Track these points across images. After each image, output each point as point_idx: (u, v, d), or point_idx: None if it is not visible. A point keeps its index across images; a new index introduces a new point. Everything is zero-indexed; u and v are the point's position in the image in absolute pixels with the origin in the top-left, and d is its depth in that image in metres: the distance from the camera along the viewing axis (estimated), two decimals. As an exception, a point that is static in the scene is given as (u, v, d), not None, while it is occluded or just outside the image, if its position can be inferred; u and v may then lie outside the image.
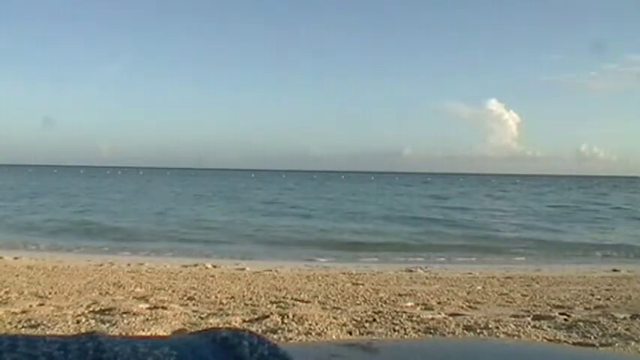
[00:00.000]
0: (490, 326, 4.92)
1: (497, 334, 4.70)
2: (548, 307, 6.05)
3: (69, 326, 4.64)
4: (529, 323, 5.11)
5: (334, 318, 5.14)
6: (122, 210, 25.62)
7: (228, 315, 5.32)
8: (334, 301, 6.23)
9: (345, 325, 4.90)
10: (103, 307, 5.44)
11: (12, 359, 0.34)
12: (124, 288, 6.86)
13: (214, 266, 9.86)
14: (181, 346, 0.40)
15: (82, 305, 5.57)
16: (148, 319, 4.91)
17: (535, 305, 6.22)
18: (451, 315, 5.45)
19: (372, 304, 6.11)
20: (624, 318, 5.27)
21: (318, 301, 6.17)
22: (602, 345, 4.37)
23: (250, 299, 6.24)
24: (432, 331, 4.77)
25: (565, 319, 5.27)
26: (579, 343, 4.36)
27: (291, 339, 4.37)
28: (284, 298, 6.35)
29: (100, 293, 6.43)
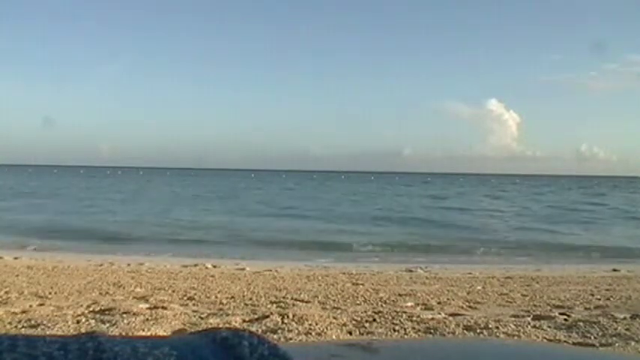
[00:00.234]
0: (490, 326, 4.92)
1: (497, 334, 4.70)
2: (548, 307, 6.05)
3: (69, 326, 4.64)
4: (529, 323, 5.11)
5: (334, 318, 5.14)
6: (122, 210, 25.63)
7: (228, 315, 5.32)
8: (334, 301, 6.23)
9: (345, 325, 4.90)
10: (103, 307, 5.44)
11: (12, 359, 0.34)
12: (124, 288, 6.86)
13: (214, 266, 9.86)
14: (181, 346, 0.40)
15: (82, 305, 5.57)
16: (148, 319, 4.91)
17: (535, 305, 6.22)
18: (451, 315, 5.45)
19: (372, 304, 6.11)
20: (624, 318, 5.27)
21: (318, 301, 6.17)
22: (602, 345, 4.37)
23: (250, 299, 6.24)
24: (432, 331, 4.77)
25: (565, 319, 5.27)
26: (579, 343, 4.36)
27: (291, 339, 4.37)
28: (284, 298, 6.35)
29: (100, 293, 6.43)
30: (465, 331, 4.79)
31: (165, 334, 4.15)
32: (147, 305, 5.66)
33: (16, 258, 10.34)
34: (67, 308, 5.41)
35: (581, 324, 5.00)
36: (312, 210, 27.77)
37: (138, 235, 16.49)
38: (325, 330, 4.65)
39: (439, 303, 6.23)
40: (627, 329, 4.82)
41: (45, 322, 4.71)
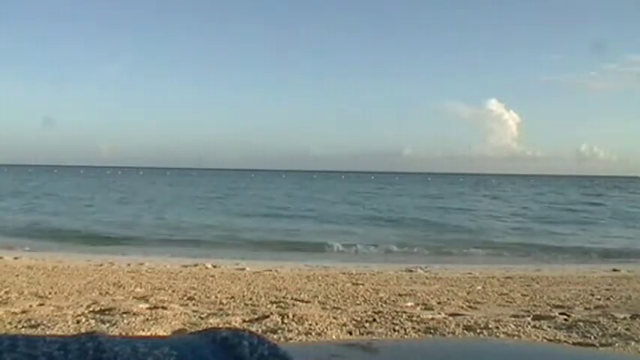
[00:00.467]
0: (490, 326, 4.92)
1: (497, 334, 4.70)
2: (548, 307, 6.05)
3: (69, 326, 4.65)
4: (529, 323, 5.11)
5: (334, 318, 5.14)
6: (121, 210, 25.64)
7: (228, 315, 5.32)
8: (334, 301, 6.24)
9: (345, 325, 4.91)
10: (103, 307, 5.45)
11: (12, 359, 0.34)
12: (124, 288, 6.86)
13: (214, 266, 9.87)
14: (181, 346, 0.40)
15: (82, 305, 5.57)
16: (148, 319, 4.91)
17: (535, 305, 6.22)
18: (451, 315, 5.45)
19: (372, 304, 6.11)
20: (624, 318, 5.27)
21: (318, 301, 6.17)
22: (602, 345, 4.37)
23: (250, 299, 6.24)
24: (432, 331, 4.77)
25: (565, 319, 5.27)
26: (579, 343, 4.36)
27: (291, 339, 4.37)
28: (284, 298, 6.35)
29: (100, 293, 6.43)
30: (465, 331, 4.79)
31: (165, 334, 4.16)
32: (147, 305, 5.66)
33: (16, 258, 10.34)
34: (67, 308, 5.41)
35: (581, 324, 5.00)
36: (310, 210, 27.81)
37: (138, 235, 16.50)
38: (325, 330, 4.65)
39: (439, 303, 6.23)
40: (627, 329, 4.82)
41: (45, 322, 4.71)
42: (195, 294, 6.50)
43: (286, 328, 4.67)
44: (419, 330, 4.78)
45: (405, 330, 4.76)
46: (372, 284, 7.69)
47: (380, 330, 4.79)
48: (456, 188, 64.31)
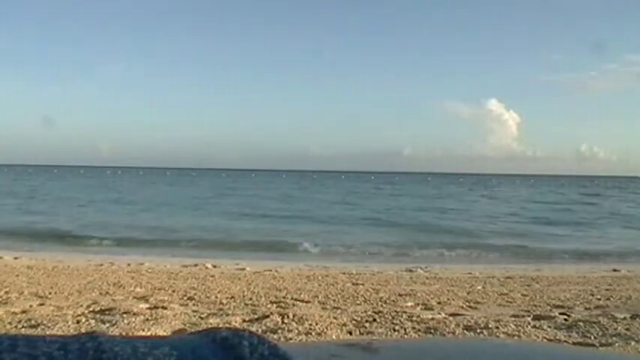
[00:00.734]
0: (490, 326, 4.92)
1: (497, 334, 4.70)
2: (548, 307, 6.05)
3: (69, 326, 4.65)
4: (529, 323, 5.11)
5: (334, 318, 5.14)
6: (121, 210, 25.63)
7: (228, 315, 5.32)
8: (334, 301, 6.23)
9: (345, 325, 4.91)
10: (103, 307, 5.45)
11: (12, 359, 0.34)
12: (124, 288, 6.86)
13: (214, 266, 9.86)
14: (181, 346, 0.40)
15: (82, 305, 5.57)
16: (148, 319, 4.91)
17: (535, 305, 6.22)
18: (451, 315, 5.45)
19: (372, 304, 6.11)
20: (624, 318, 5.27)
21: (318, 301, 6.17)
22: (602, 345, 4.37)
23: (250, 299, 6.24)
24: (432, 331, 4.77)
25: (565, 319, 5.27)
26: (579, 343, 4.36)
27: (291, 339, 4.37)
28: (284, 298, 6.35)
29: (100, 293, 6.43)
30: (465, 331, 4.79)
31: (165, 334, 4.15)
32: (147, 305, 5.66)
33: (16, 258, 10.34)
34: (67, 308, 5.41)
35: (581, 324, 5.00)
36: (309, 210, 27.81)
37: (138, 235, 16.47)
38: (325, 330, 4.65)
39: (439, 303, 6.23)
40: (627, 329, 4.82)
41: (45, 322, 4.71)
42: (195, 294, 6.50)
43: (286, 328, 4.67)
44: (419, 330, 4.78)
45: (405, 330, 4.76)
46: (372, 284, 7.69)
47: (380, 330, 4.79)
48: (456, 188, 64.31)
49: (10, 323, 4.78)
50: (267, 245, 14.87)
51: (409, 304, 6.12)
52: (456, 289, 7.35)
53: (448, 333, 4.73)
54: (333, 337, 4.47)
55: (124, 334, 4.07)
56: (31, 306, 5.53)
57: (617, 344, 4.37)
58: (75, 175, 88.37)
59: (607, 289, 7.53)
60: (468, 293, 7.05)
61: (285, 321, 4.92)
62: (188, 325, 4.83)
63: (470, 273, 9.54)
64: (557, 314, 5.53)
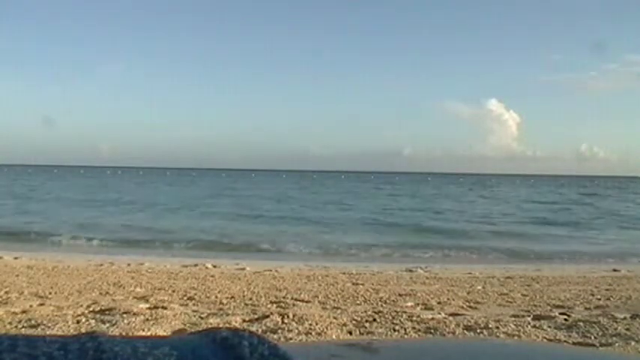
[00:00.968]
0: (490, 326, 4.92)
1: (497, 334, 4.70)
2: (548, 307, 6.05)
3: (69, 326, 4.65)
4: (529, 323, 5.11)
5: (334, 318, 5.14)
6: (121, 210, 25.64)
7: (228, 315, 5.32)
8: (334, 301, 6.23)
9: (345, 325, 4.91)
10: (103, 307, 5.45)
11: (12, 359, 0.34)
12: (124, 288, 6.86)
13: (214, 266, 9.86)
14: (181, 346, 0.40)
15: (82, 305, 5.57)
16: (148, 319, 4.91)
17: (535, 305, 6.22)
18: (451, 315, 5.45)
19: (372, 304, 6.11)
20: (624, 318, 5.27)
21: (318, 301, 6.17)
22: (602, 345, 4.37)
23: (250, 299, 6.24)
24: (432, 331, 4.77)
25: (565, 319, 5.27)
26: (579, 343, 4.36)
27: (291, 339, 4.37)
28: (284, 298, 6.35)
29: (100, 293, 6.43)
30: (465, 331, 4.79)
31: (165, 334, 4.15)
32: (147, 305, 5.66)
33: (16, 258, 10.34)
34: (67, 308, 5.41)
35: (581, 324, 5.00)
36: (306, 208, 27.80)
37: (138, 235, 16.47)
38: (325, 330, 4.65)
39: (439, 303, 6.23)
40: (627, 329, 4.82)
41: (45, 322, 4.71)
42: (195, 294, 6.50)
43: (286, 328, 4.67)
44: (419, 330, 4.78)
45: (405, 330, 4.76)
46: (372, 284, 7.69)
47: (380, 330, 4.79)
48: (456, 188, 64.30)
49: (10, 323, 4.78)
50: (248, 246, 14.84)
51: (409, 304, 6.12)
52: (456, 289, 7.35)
53: (448, 333, 4.73)
54: (333, 337, 4.47)
55: (124, 334, 4.07)
56: (31, 306, 5.53)
57: (617, 344, 4.37)
58: (75, 176, 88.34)
59: (607, 289, 7.53)
60: (468, 293, 7.05)
61: (285, 321, 4.92)
62: (188, 325, 4.83)
63: (470, 273, 9.54)
64: (557, 314, 5.53)
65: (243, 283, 7.50)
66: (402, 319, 5.10)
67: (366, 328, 4.86)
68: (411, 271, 9.84)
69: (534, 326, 4.99)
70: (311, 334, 4.54)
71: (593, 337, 4.61)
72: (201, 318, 5.14)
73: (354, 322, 5.02)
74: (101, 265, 9.54)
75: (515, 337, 4.60)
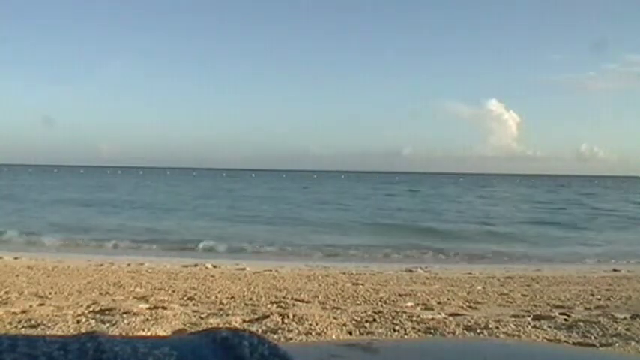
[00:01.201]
0: (490, 326, 4.92)
1: (497, 334, 4.70)
2: (549, 307, 6.05)
3: (69, 326, 4.65)
4: (529, 323, 5.11)
5: (334, 318, 5.15)
6: (121, 210, 25.65)
7: (228, 315, 5.32)
8: (334, 301, 6.24)
9: (345, 325, 4.91)
10: (103, 307, 5.45)
11: (12, 359, 0.34)
12: (124, 288, 6.86)
13: (214, 266, 9.87)
14: (181, 346, 0.40)
15: (82, 305, 5.57)
16: (148, 319, 4.91)
17: (535, 305, 6.22)
18: (451, 315, 5.45)
19: (372, 304, 6.11)
20: (624, 318, 5.27)
21: (318, 301, 6.17)
22: (602, 345, 4.38)
23: (250, 299, 6.24)
24: (432, 331, 4.77)
25: (565, 319, 5.27)
26: (579, 343, 4.36)
27: (291, 339, 4.37)
28: (284, 298, 6.35)
29: (100, 293, 6.44)
30: (465, 331, 4.79)
31: (165, 334, 4.16)
32: (147, 305, 5.67)
33: (16, 258, 10.34)
34: (67, 308, 5.41)
35: (581, 324, 5.00)
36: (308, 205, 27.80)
37: (138, 236, 16.46)
38: (325, 330, 4.65)
39: (439, 303, 6.23)
40: (627, 329, 4.82)
41: (45, 322, 4.71)
42: (195, 294, 6.50)
43: (286, 328, 4.67)
44: (419, 330, 4.78)
45: (405, 330, 4.76)
46: (372, 284, 7.69)
47: (380, 330, 4.79)
48: (455, 188, 64.31)
49: (10, 323, 4.78)
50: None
51: (409, 304, 6.12)
52: (456, 289, 7.35)
53: (448, 333, 4.73)
54: (333, 337, 4.47)
55: (124, 334, 4.07)
56: (31, 306, 5.54)
57: (617, 344, 4.37)
58: (74, 175, 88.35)
59: (607, 289, 7.53)
60: (468, 293, 7.05)
61: (285, 321, 4.92)
62: (188, 325, 4.83)
63: (470, 273, 9.54)
64: (557, 314, 5.53)
65: (243, 283, 7.50)
66: (402, 319, 5.10)
67: (366, 328, 4.86)
68: (411, 271, 9.84)
69: (534, 326, 4.99)
70: (311, 334, 4.54)
71: (593, 337, 4.61)
72: (201, 318, 5.14)
73: (354, 322, 5.03)
74: (101, 265, 9.55)
75: (515, 337, 4.60)
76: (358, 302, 6.20)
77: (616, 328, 4.82)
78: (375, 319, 5.12)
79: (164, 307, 5.51)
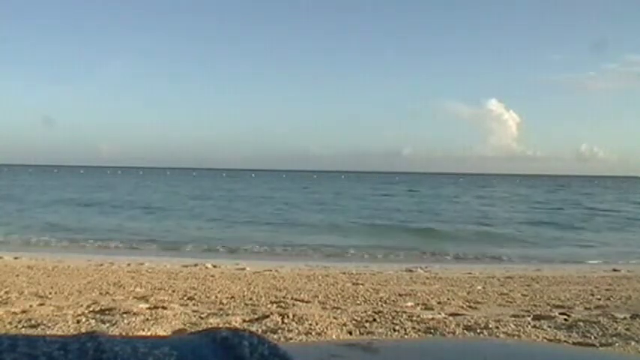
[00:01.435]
0: (490, 326, 4.92)
1: (497, 334, 4.70)
2: (548, 307, 6.05)
3: (69, 326, 4.64)
4: (529, 323, 5.11)
5: (334, 318, 5.14)
6: (121, 210, 25.64)
7: (228, 315, 5.32)
8: (334, 301, 6.23)
9: (345, 325, 4.91)
10: (103, 307, 5.45)
11: (12, 359, 0.34)
12: (124, 288, 6.86)
13: (214, 266, 9.87)
14: (181, 346, 0.40)
15: (82, 305, 5.57)
16: (148, 319, 4.91)
17: (535, 305, 6.22)
18: (451, 315, 5.45)
19: (372, 304, 6.11)
20: (624, 318, 5.27)
21: (318, 301, 6.17)
22: (602, 345, 4.37)
23: (250, 299, 6.24)
24: (432, 331, 4.77)
25: (565, 319, 5.27)
26: (579, 343, 4.36)
27: (291, 339, 4.37)
28: (284, 298, 6.35)
29: (100, 293, 6.43)
30: (465, 331, 4.79)
31: (165, 334, 4.15)
32: (147, 305, 5.67)
33: (16, 258, 10.34)
34: (67, 308, 5.41)
35: (581, 324, 5.00)
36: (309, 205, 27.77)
37: (138, 236, 16.48)
38: (325, 330, 4.65)
39: (439, 303, 6.23)
40: (627, 329, 4.82)
41: (45, 322, 4.71)
42: (195, 294, 6.50)
43: (286, 328, 4.67)
44: (419, 330, 4.78)
45: (405, 330, 4.76)
46: (372, 284, 7.69)
47: (380, 330, 4.79)
48: (455, 188, 64.28)
49: (10, 323, 4.78)
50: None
51: (409, 304, 6.12)
52: (456, 289, 7.35)
53: (448, 333, 4.72)
54: (333, 337, 4.47)
55: (124, 334, 4.07)
56: (31, 306, 5.53)
57: (617, 344, 4.37)
58: (74, 175, 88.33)
59: (607, 289, 7.53)
60: (468, 293, 7.05)
61: (285, 321, 4.92)
62: (188, 325, 4.83)
63: (470, 273, 9.54)
64: (557, 314, 5.53)
65: (243, 283, 7.50)
66: (402, 319, 5.10)
67: (366, 328, 4.86)
68: (411, 271, 9.84)
69: (534, 326, 4.99)
70: (311, 334, 4.54)
71: (593, 337, 4.61)
72: (201, 318, 5.14)
73: (354, 322, 5.02)
74: (101, 265, 9.54)
75: (515, 337, 4.60)
76: (358, 302, 6.20)
77: (616, 328, 4.82)
78: (375, 319, 5.12)
79: (164, 307, 5.51)
